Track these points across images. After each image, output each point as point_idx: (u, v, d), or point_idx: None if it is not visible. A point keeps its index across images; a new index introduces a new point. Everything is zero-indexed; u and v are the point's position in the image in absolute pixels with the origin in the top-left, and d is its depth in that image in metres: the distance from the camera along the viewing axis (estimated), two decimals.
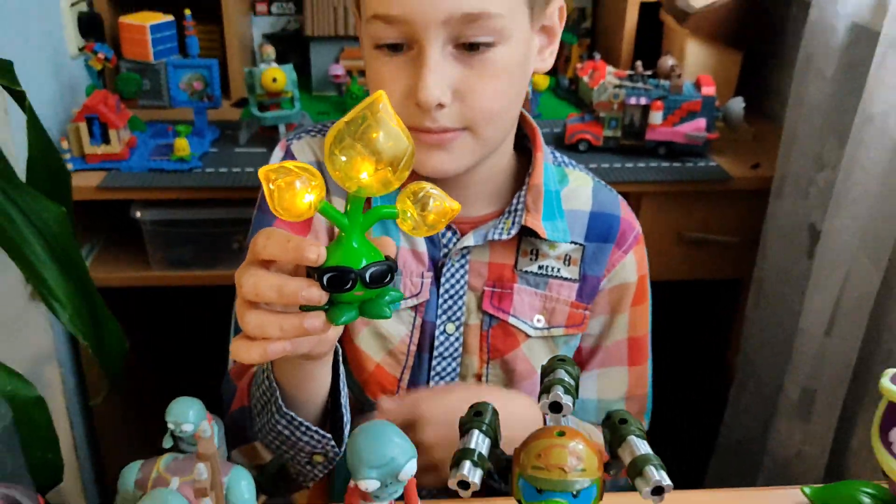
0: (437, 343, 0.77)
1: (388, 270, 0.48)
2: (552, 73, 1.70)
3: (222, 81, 1.44)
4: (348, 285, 0.47)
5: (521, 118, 0.80)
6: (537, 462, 0.54)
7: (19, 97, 0.83)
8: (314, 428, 0.65)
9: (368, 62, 0.70)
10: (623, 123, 1.34)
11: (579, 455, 0.54)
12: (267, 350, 0.51)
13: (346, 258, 0.48)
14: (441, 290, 0.77)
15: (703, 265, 1.38)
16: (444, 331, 0.78)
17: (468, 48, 0.66)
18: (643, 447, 0.55)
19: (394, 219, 0.50)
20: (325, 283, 0.47)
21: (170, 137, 1.34)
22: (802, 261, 1.18)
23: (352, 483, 0.54)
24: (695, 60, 1.48)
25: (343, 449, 0.67)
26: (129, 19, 1.40)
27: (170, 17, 1.42)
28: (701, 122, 1.30)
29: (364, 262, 0.48)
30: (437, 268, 0.77)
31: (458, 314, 0.77)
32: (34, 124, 0.84)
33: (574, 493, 0.53)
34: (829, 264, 1.07)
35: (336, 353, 0.64)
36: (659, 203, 1.32)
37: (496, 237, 0.75)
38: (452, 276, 0.77)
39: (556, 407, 0.55)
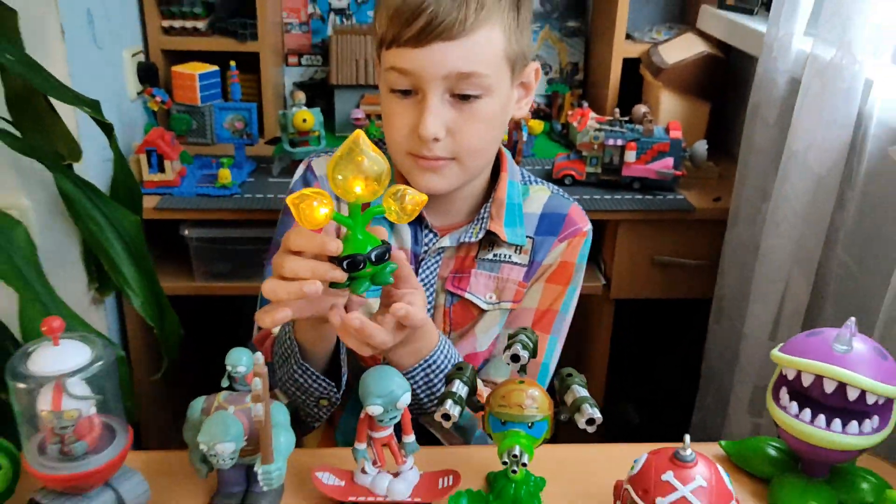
0: None
1: (386, 250, 0.69)
2: (547, 118, 1.91)
3: (259, 122, 1.63)
4: (361, 266, 0.68)
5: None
6: (502, 402, 0.73)
7: (107, 129, 1.04)
8: (322, 377, 0.83)
9: (384, 102, 0.90)
10: (603, 161, 1.53)
11: (534, 397, 0.73)
12: (294, 304, 0.70)
13: (356, 247, 0.68)
14: (419, 279, 0.93)
15: (673, 285, 1.56)
16: None
17: (461, 98, 0.85)
18: (582, 392, 0.73)
19: (383, 214, 0.70)
20: (344, 266, 0.68)
21: (214, 168, 1.53)
22: (753, 279, 1.35)
23: (363, 413, 0.72)
24: (668, 109, 1.68)
25: (341, 394, 0.84)
26: (180, 69, 1.58)
27: (215, 68, 1.61)
28: (669, 161, 1.49)
29: (369, 248, 0.68)
30: (417, 261, 0.95)
31: (430, 297, 0.95)
32: (117, 151, 1.06)
33: (529, 424, 0.72)
34: (768, 279, 1.23)
35: None
36: (633, 230, 1.50)
37: (466, 240, 0.94)
38: (428, 268, 0.95)
39: (515, 358, 0.74)
